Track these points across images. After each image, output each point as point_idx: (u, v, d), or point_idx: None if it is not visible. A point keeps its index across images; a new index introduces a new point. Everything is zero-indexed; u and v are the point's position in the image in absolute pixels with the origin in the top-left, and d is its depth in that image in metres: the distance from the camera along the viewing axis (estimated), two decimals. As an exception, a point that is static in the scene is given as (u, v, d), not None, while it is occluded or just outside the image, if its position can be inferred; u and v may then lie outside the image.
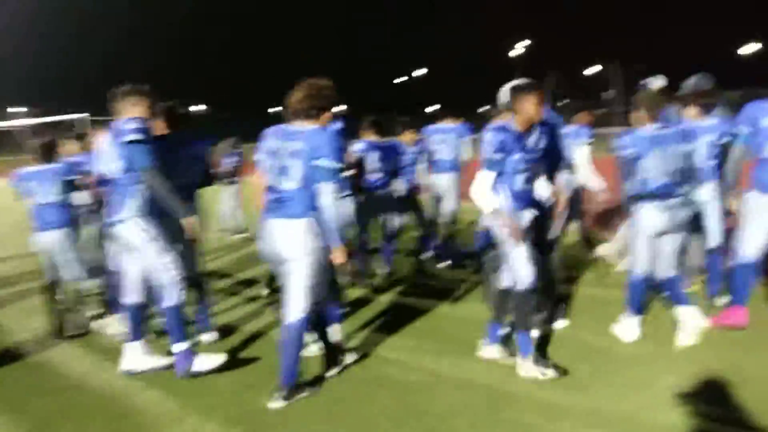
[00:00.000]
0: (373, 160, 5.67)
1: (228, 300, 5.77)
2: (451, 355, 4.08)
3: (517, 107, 3.64)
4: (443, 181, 6.38)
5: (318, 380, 3.76)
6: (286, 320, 3.52)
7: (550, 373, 3.67)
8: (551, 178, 4.02)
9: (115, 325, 4.76)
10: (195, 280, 4.47)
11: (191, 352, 3.93)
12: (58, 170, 4.90)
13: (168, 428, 3.34)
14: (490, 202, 3.65)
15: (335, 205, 3.41)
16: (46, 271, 4.95)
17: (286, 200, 3.45)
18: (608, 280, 5.53)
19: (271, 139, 3.55)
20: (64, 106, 24.86)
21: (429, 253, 6.58)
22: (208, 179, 4.61)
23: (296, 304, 3.49)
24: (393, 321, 4.87)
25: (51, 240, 4.83)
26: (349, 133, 5.20)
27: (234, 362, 4.08)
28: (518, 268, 3.68)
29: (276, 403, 3.47)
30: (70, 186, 4.92)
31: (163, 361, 4.07)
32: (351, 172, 5.21)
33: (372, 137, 5.79)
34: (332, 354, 3.89)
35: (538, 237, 3.87)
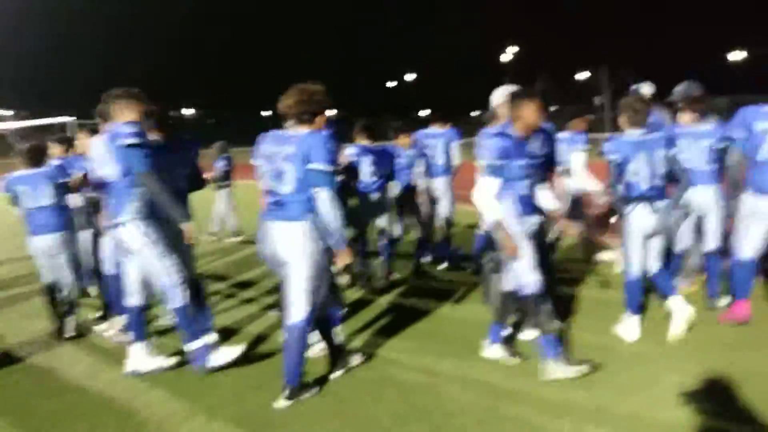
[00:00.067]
0: (366, 165, 5.71)
1: (227, 302, 5.77)
2: (452, 356, 4.11)
3: (518, 113, 3.65)
4: (437, 185, 6.49)
5: (323, 380, 3.78)
6: (289, 321, 3.54)
7: (584, 368, 3.65)
8: (545, 182, 4.05)
9: (115, 327, 4.76)
10: (192, 283, 4.46)
11: (207, 348, 3.94)
12: (48, 173, 4.84)
13: (174, 428, 3.35)
14: (494, 211, 3.66)
15: (335, 209, 3.43)
16: (42, 274, 4.92)
17: (284, 203, 3.48)
18: (609, 281, 5.58)
19: (267, 143, 3.58)
20: (58, 108, 24.65)
21: (428, 258, 6.64)
22: (199, 183, 4.59)
23: (298, 306, 3.51)
24: (394, 322, 4.90)
25: (45, 244, 4.80)
26: (341, 137, 5.20)
27: (238, 363, 4.09)
28: (524, 274, 3.69)
29: (281, 403, 3.49)
30: (63, 189, 4.87)
31: (168, 361, 4.08)
32: (340, 177, 5.20)
33: (364, 141, 5.83)
34: (337, 355, 3.91)
35: (541, 241, 3.91)
